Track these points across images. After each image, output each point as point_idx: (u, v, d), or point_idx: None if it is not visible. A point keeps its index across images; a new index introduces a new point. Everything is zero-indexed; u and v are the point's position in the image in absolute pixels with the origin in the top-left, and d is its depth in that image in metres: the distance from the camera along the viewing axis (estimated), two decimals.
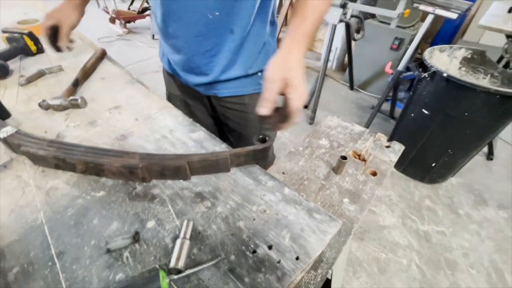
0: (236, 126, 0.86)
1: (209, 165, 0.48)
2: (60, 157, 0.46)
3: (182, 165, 0.46)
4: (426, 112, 1.50)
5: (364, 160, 0.58)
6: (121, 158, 0.46)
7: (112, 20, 3.83)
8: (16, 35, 0.81)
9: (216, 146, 0.56)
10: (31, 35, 0.83)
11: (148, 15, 3.87)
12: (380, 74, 2.57)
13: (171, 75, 0.86)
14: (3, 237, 0.38)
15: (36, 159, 0.48)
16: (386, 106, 2.36)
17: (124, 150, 0.51)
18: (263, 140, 0.51)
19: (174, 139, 0.58)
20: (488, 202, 1.70)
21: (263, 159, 0.51)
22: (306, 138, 0.63)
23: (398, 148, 0.62)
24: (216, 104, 0.85)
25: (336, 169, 0.54)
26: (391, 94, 2.16)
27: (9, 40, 0.81)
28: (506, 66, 1.58)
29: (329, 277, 0.54)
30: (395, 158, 0.60)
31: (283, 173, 0.54)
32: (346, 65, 2.66)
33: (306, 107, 2.50)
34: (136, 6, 4.05)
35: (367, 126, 2.12)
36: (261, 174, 0.49)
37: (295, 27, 0.51)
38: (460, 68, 1.67)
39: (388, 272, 1.31)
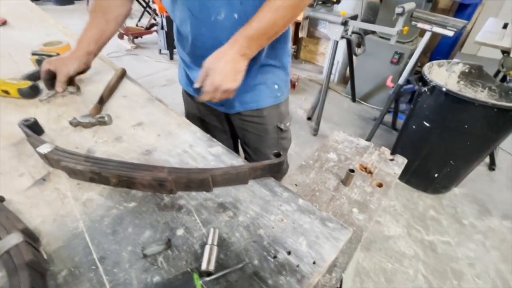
0: (254, 139, 0.92)
1: (230, 178, 0.52)
2: (96, 171, 0.51)
3: (206, 178, 0.50)
4: (427, 124, 1.56)
5: (370, 172, 0.62)
6: (151, 172, 0.51)
7: (121, 36, 3.98)
8: (44, 57, 0.88)
9: (233, 160, 0.61)
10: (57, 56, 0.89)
11: (155, 30, 4.02)
12: (382, 86, 2.65)
13: (191, 96, 0.93)
14: (49, 244, 0.43)
15: (73, 173, 0.53)
16: (388, 118, 2.42)
17: (152, 164, 0.56)
18: (278, 155, 0.56)
19: (194, 153, 0.63)
20: (492, 212, 1.72)
21: (278, 172, 0.56)
22: (315, 152, 0.68)
23: (401, 161, 0.67)
24: (234, 119, 0.91)
25: (345, 181, 0.58)
26: (392, 106, 2.22)
27: (38, 62, 0.88)
28: (503, 80, 1.64)
29: (340, 283, 0.57)
30: (398, 170, 0.64)
31: (296, 185, 0.59)
32: (348, 78, 2.75)
33: (309, 118, 2.57)
34: (144, 22, 4.22)
35: (370, 137, 2.17)
36: (276, 186, 0.54)
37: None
38: (458, 82, 1.73)
39: (395, 282, 1.32)
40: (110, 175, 0.51)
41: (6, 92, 0.76)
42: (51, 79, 0.77)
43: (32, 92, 0.78)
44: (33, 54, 0.90)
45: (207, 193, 0.52)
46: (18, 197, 0.50)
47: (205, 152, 0.63)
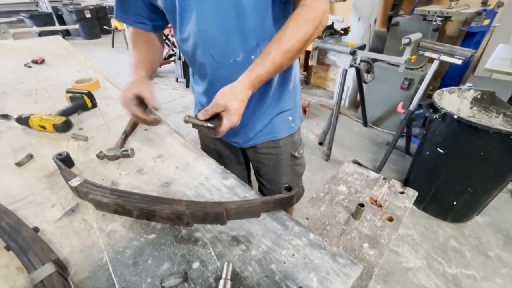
0: (269, 169, 0.95)
1: (243, 212, 0.55)
2: (120, 204, 0.55)
3: (221, 211, 0.53)
4: (441, 151, 1.54)
5: (380, 206, 0.63)
6: (170, 205, 0.55)
7: None
8: (77, 94, 0.98)
9: (246, 193, 0.64)
10: (89, 94, 0.99)
11: (173, 60, 4.28)
12: (393, 111, 2.65)
13: None
14: (77, 274, 0.46)
15: (99, 205, 0.58)
16: (401, 142, 2.40)
17: (170, 197, 0.60)
18: (289, 189, 0.58)
19: (210, 185, 0.66)
20: None
21: (290, 205, 0.58)
22: (326, 184, 0.70)
23: (412, 194, 0.67)
24: (248, 152, 0.96)
25: (355, 215, 0.60)
26: (405, 130, 2.21)
27: (71, 99, 0.98)
28: None
29: None
30: (409, 203, 0.65)
31: (307, 218, 0.60)
32: (359, 102, 2.78)
33: (321, 143, 2.58)
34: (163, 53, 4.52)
35: (383, 163, 2.15)
36: (288, 220, 0.56)
37: (256, 64, 0.63)
38: (471, 107, 1.72)
39: None
40: (133, 208, 0.55)
41: (43, 127, 0.85)
42: (140, 103, 0.70)
43: (65, 127, 0.86)
44: (68, 92, 1.00)
45: (222, 226, 0.55)
46: (50, 227, 0.55)
47: (220, 184, 0.67)
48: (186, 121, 0.61)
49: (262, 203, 0.56)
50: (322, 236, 0.54)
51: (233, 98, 0.62)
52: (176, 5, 0.68)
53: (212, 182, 0.67)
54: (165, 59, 4.29)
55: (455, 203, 1.63)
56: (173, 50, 4.29)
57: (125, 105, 0.69)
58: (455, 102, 1.73)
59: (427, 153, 1.68)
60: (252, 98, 0.69)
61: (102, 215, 0.58)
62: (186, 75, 3.75)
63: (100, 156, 0.75)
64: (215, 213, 0.54)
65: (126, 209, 0.56)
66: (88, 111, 1.02)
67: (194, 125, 0.62)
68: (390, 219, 0.60)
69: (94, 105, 1.03)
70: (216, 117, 0.62)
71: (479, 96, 1.69)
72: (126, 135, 0.85)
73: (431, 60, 2.00)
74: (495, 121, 1.65)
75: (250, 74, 0.64)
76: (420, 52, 1.72)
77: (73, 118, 0.96)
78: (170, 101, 3.43)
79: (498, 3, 2.21)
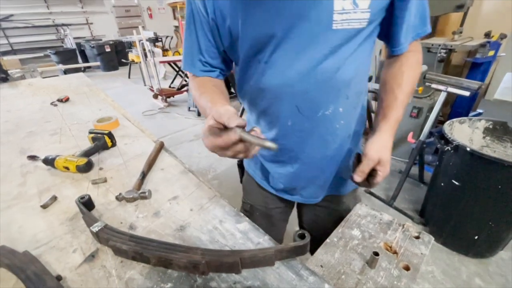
0: (315, 219, 0.93)
1: (257, 261, 0.56)
2: (139, 252, 0.57)
3: (236, 261, 0.54)
4: (456, 183, 1.50)
5: (395, 252, 0.63)
6: (187, 253, 0.56)
7: (155, 96, 4.47)
8: (99, 135, 1.04)
9: (260, 238, 0.65)
10: (109, 134, 1.05)
11: (186, 90, 4.48)
12: (403, 139, 2.64)
13: (263, 188, 0.91)
14: None
15: (118, 252, 0.60)
16: (414, 170, 2.35)
17: (186, 242, 0.62)
18: (302, 236, 0.59)
19: (224, 230, 0.68)
20: None
21: (303, 253, 0.58)
22: (339, 228, 0.70)
23: (428, 239, 0.66)
24: (306, 210, 0.94)
25: (370, 263, 0.59)
26: (417, 158, 2.19)
27: (93, 139, 1.04)
28: None
29: None
30: (425, 250, 0.64)
31: (322, 266, 0.60)
32: (369, 130, 2.78)
33: None
34: (176, 83, 4.76)
35: (397, 192, 2.10)
36: (302, 269, 0.56)
37: (388, 110, 0.65)
38: (484, 137, 1.70)
39: None
40: (151, 256, 0.57)
41: (67, 168, 0.90)
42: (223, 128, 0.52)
43: (87, 168, 0.91)
44: (90, 132, 1.07)
45: (236, 275, 0.56)
46: (71, 275, 0.57)
47: (234, 228, 0.68)
48: (356, 182, 0.63)
49: (276, 251, 0.56)
50: (337, 286, 0.54)
51: (383, 149, 0.62)
52: (265, 57, 0.62)
53: (226, 226, 0.69)
54: (178, 89, 4.50)
55: (476, 237, 1.55)
56: (185, 81, 4.50)
57: (203, 137, 0.51)
58: (467, 132, 1.72)
59: (442, 184, 1.64)
60: (333, 145, 0.71)
61: (121, 261, 0.60)
62: None
63: (119, 198, 0.78)
64: (230, 263, 0.54)
65: (144, 256, 0.58)
66: (108, 149, 1.08)
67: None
68: (407, 268, 0.59)
69: (114, 144, 1.09)
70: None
71: (491, 127, 1.68)
72: (144, 175, 0.89)
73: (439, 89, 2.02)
74: (510, 151, 1.61)
75: (388, 120, 0.65)
76: (427, 84, 1.76)
77: (94, 158, 1.01)
78: (182, 130, 3.53)
79: (501, 35, 2.26)
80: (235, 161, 0.90)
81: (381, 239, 0.67)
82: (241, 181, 1.08)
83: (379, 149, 0.62)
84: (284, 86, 0.64)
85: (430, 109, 2.29)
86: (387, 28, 0.65)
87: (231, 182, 2.35)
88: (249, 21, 0.59)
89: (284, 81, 0.63)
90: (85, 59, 6.79)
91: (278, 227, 1.01)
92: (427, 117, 2.09)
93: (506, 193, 1.34)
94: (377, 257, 0.57)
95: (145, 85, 5.14)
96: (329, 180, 0.80)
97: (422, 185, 2.34)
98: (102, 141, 1.04)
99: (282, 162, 0.78)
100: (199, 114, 3.95)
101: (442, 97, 1.76)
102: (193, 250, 0.57)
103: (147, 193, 0.79)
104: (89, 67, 6.98)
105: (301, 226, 1.06)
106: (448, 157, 1.54)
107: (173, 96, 4.50)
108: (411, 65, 0.68)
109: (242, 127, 0.47)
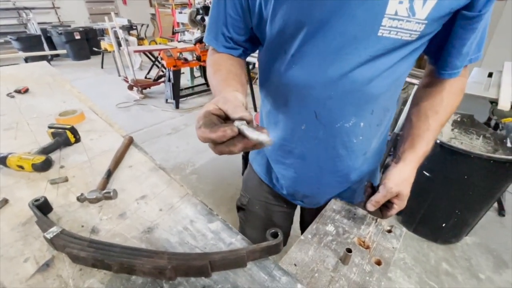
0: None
1: (228, 263, 0.53)
2: (99, 258, 0.52)
3: (205, 264, 0.51)
4: (427, 174, 1.57)
5: (368, 247, 0.63)
6: (152, 258, 0.52)
7: (130, 87, 4.26)
8: (60, 130, 0.96)
9: (232, 238, 0.62)
10: (72, 129, 0.97)
11: (163, 81, 4.31)
12: None
13: (265, 184, 0.88)
14: None
15: (76, 259, 0.55)
16: (388, 161, 2.44)
17: (153, 245, 0.58)
18: (275, 235, 0.57)
19: (194, 230, 0.64)
20: (508, 264, 1.63)
21: (276, 252, 0.57)
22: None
23: (399, 233, 0.67)
24: (308, 212, 0.90)
25: (343, 260, 0.59)
26: (392, 150, 2.26)
27: (53, 134, 0.95)
28: (496, 127, 1.69)
29: None
30: (397, 244, 0.64)
31: (295, 264, 0.59)
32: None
33: None
34: (152, 74, 4.55)
35: None
36: (275, 269, 0.54)
37: (418, 140, 0.60)
38: (452, 130, 1.78)
39: None
40: (112, 262, 0.52)
41: (21, 167, 0.82)
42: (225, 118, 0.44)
43: (45, 166, 0.83)
44: (50, 127, 0.98)
45: (206, 279, 0.53)
46: (21, 287, 0.51)
47: (205, 228, 0.65)
48: (368, 212, 0.62)
49: (248, 252, 0.54)
50: (311, 285, 0.53)
51: (405, 183, 0.59)
52: (292, 49, 0.56)
53: (197, 226, 0.66)
54: (154, 80, 4.32)
55: (444, 225, 1.64)
56: (162, 71, 4.32)
57: (197, 126, 0.41)
58: None
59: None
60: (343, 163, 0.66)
61: (79, 269, 0.55)
62: (175, 96, 3.76)
63: (81, 199, 0.72)
64: (199, 266, 0.52)
65: (105, 263, 0.53)
66: (71, 146, 0.99)
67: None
68: (379, 263, 0.59)
69: (77, 140, 1.00)
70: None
71: (459, 119, 1.76)
72: (109, 173, 0.82)
73: (412, 83, 2.08)
74: (476, 143, 1.71)
75: (415, 152, 0.60)
76: None
77: (55, 155, 0.93)
78: (159, 123, 3.41)
79: None
80: (214, 155, 0.86)
81: (355, 234, 0.67)
82: (242, 173, 1.05)
83: (400, 183, 0.58)
84: (306, 87, 0.58)
85: (405, 102, 2.35)
86: (440, 45, 0.56)
87: (210, 176, 2.31)
88: (281, 1, 0.51)
89: (307, 82, 0.57)
90: (53, 47, 6.30)
91: (280, 227, 0.99)
92: (401, 110, 2.15)
93: (472, 183, 1.41)
94: (349, 253, 0.57)
95: (119, 75, 4.87)
96: (332, 194, 0.78)
97: None
98: (64, 137, 0.96)
99: (286, 165, 0.74)
100: (177, 107, 3.82)
101: (414, 90, 1.81)
102: (159, 254, 0.53)
103: (111, 193, 0.73)
104: (57, 56, 6.49)
105: (302, 225, 1.05)
106: None
107: (149, 88, 4.31)
108: (454, 93, 0.61)
109: (247, 122, 0.40)
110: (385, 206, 0.62)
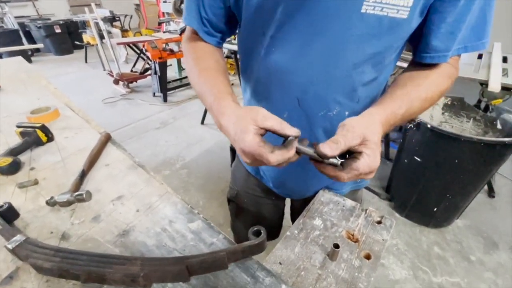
0: None
1: (207, 266, 0.49)
2: (64, 268, 0.48)
3: (182, 269, 0.48)
4: (418, 159, 1.55)
5: (357, 241, 0.60)
6: (123, 266, 0.48)
7: (116, 82, 4.12)
8: (29, 129, 0.89)
9: (214, 238, 0.58)
10: (43, 128, 0.90)
11: (149, 74, 4.18)
12: None
13: (252, 176, 0.85)
14: None
15: (41, 270, 0.50)
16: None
17: (128, 248, 0.54)
18: (258, 233, 0.53)
19: (173, 231, 0.60)
20: (499, 245, 1.65)
21: (259, 251, 0.53)
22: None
23: (389, 224, 0.65)
24: (296, 203, 0.86)
25: (331, 256, 0.56)
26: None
27: (22, 134, 0.89)
28: (486, 109, 1.68)
29: None
30: (387, 235, 0.62)
31: (280, 263, 0.56)
32: None
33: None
34: (139, 67, 4.41)
35: None
36: (258, 270, 0.51)
37: (390, 100, 0.48)
38: (443, 113, 1.77)
39: None
40: (80, 272, 0.48)
41: None
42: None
43: (12, 169, 0.77)
44: (18, 126, 0.91)
45: (184, 284, 0.49)
46: None
47: (185, 229, 0.61)
48: (298, 152, 0.43)
49: (228, 253, 0.50)
50: (296, 285, 0.50)
51: (371, 128, 0.42)
52: (270, 30, 0.51)
53: (176, 226, 0.61)
54: (141, 73, 4.19)
55: (435, 209, 1.65)
56: (148, 64, 4.19)
57: (255, 154, 0.41)
58: (428, 109, 1.77)
59: (405, 161, 1.69)
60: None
61: (46, 281, 0.51)
62: (163, 89, 3.65)
63: (51, 203, 0.67)
64: (176, 271, 0.48)
65: (72, 273, 0.49)
66: (43, 145, 0.93)
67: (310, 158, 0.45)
68: (368, 257, 0.56)
69: (50, 139, 0.94)
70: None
71: (449, 103, 1.74)
72: (83, 174, 0.77)
73: (402, 67, 2.05)
74: (466, 126, 1.69)
75: (384, 107, 0.47)
76: None
77: (24, 156, 0.86)
78: (147, 117, 3.31)
79: None
80: (204, 148, 0.82)
81: (343, 227, 0.63)
82: (231, 165, 1.01)
83: (364, 126, 0.42)
84: (287, 72, 0.53)
85: None
86: (421, 26, 0.49)
87: (201, 170, 2.26)
88: None
89: (288, 66, 0.53)
90: (33, 42, 6.03)
91: (270, 220, 0.96)
92: None
93: (462, 166, 1.41)
94: (337, 249, 0.53)
95: (104, 70, 4.71)
96: (320, 186, 0.73)
97: (388, 162, 2.42)
98: (34, 136, 0.89)
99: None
100: (165, 100, 3.72)
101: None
102: (131, 260, 0.49)
103: (84, 195, 0.68)
104: (37, 50, 6.23)
105: (292, 216, 1.02)
106: (411, 135, 1.58)
107: (136, 81, 4.18)
108: (441, 75, 0.53)
109: (296, 137, 0.42)
110: (348, 159, 0.44)
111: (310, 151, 0.42)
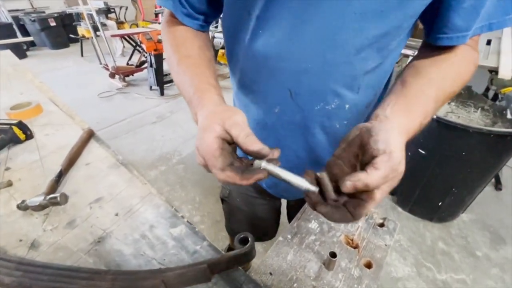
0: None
1: (187, 279, 0.44)
2: (26, 285, 0.43)
3: (155, 283, 0.42)
4: (422, 152, 1.48)
5: (357, 246, 0.54)
6: (91, 281, 0.42)
7: (112, 75, 4.04)
8: (5, 126, 0.83)
9: (197, 245, 0.53)
10: (20, 125, 0.84)
11: (145, 67, 4.09)
12: None
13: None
14: None
15: (1, 285, 0.45)
16: None
17: (102, 257, 0.48)
18: (245, 241, 0.47)
19: (154, 238, 0.55)
20: (505, 240, 1.59)
21: (248, 261, 0.47)
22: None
23: (393, 226, 0.58)
24: (293, 203, 0.82)
25: (327, 265, 0.50)
26: None
27: None
28: (495, 98, 1.59)
29: None
30: (390, 240, 0.56)
31: (271, 273, 0.50)
32: None
33: None
34: (135, 60, 4.31)
35: None
36: (245, 282, 0.45)
37: (412, 104, 0.39)
38: (449, 103, 1.68)
39: None
40: None
41: None
42: (230, 143, 0.38)
43: None
44: None
45: None
46: None
47: (166, 235, 0.55)
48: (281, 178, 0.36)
49: (210, 265, 0.44)
50: None
51: (397, 142, 0.34)
52: (256, 9, 0.44)
53: (157, 232, 0.56)
54: (137, 66, 4.10)
55: (440, 203, 1.58)
56: (145, 57, 4.09)
57: (206, 159, 0.37)
58: None
59: (409, 153, 1.62)
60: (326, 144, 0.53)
61: None
62: (159, 82, 3.57)
63: (22, 207, 0.61)
64: (150, 287, 0.42)
65: None
66: (22, 143, 0.87)
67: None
68: (369, 265, 0.50)
69: (29, 137, 0.88)
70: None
71: None
72: (61, 174, 0.71)
73: (406, 55, 1.95)
74: (473, 116, 1.61)
75: (412, 120, 0.38)
76: None
77: (1, 155, 0.81)
78: (143, 111, 3.25)
79: None
80: None
81: (341, 231, 0.57)
82: None
83: (389, 139, 0.33)
84: (277, 59, 0.46)
85: (398, 76, 2.24)
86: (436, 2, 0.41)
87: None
88: None
89: (278, 52, 0.45)
90: (28, 36, 5.91)
91: (266, 220, 0.91)
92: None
93: (469, 159, 1.34)
94: (334, 259, 0.47)
95: (100, 63, 4.61)
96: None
97: None
98: (10, 134, 0.83)
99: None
100: (161, 93, 3.64)
101: (409, 61, 1.69)
102: (101, 274, 0.43)
103: (59, 198, 0.62)
104: (33, 45, 6.13)
105: (289, 215, 0.97)
106: None
107: (132, 75, 4.09)
108: (463, 60, 0.46)
109: (265, 156, 0.36)
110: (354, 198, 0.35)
111: (293, 178, 0.36)
